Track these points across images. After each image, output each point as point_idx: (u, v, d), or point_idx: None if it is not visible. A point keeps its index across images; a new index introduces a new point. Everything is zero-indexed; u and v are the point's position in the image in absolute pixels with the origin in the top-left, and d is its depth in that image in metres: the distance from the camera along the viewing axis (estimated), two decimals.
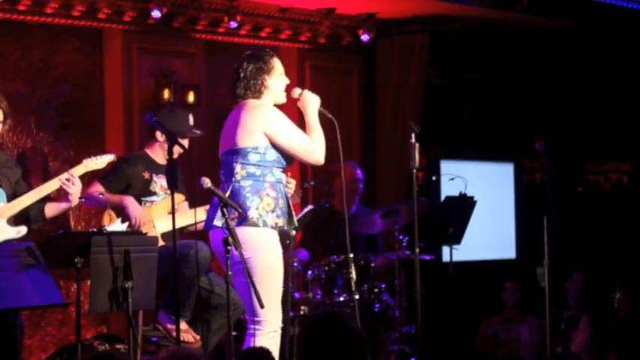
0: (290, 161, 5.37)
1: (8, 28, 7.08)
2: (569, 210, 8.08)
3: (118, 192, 6.13)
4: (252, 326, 5.21)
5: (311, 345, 3.75)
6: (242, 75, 5.31)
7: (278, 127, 5.25)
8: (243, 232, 5.11)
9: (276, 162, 5.28)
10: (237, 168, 5.23)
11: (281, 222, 5.25)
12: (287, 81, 5.44)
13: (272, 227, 5.21)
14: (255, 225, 5.16)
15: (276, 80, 5.37)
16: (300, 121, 5.46)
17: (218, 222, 5.15)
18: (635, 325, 4.45)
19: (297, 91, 5.46)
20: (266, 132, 5.23)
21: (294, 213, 5.39)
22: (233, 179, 5.22)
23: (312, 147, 5.33)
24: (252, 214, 5.16)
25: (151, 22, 7.54)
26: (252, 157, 5.22)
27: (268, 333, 5.18)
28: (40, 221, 5.67)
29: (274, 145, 5.26)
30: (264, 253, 5.16)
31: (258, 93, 5.32)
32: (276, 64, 5.39)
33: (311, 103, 5.42)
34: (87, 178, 5.81)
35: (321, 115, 5.46)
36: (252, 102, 5.31)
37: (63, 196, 5.61)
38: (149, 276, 5.16)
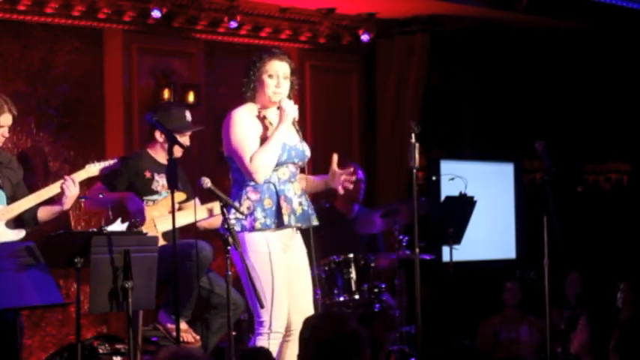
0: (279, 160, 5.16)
1: (8, 28, 7.08)
2: (569, 210, 8.06)
3: (120, 191, 6.12)
4: (256, 327, 5.19)
5: (311, 345, 3.75)
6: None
7: (229, 135, 5.14)
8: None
9: None
10: (229, 176, 5.28)
11: (269, 222, 5.14)
12: (276, 82, 5.16)
13: (249, 230, 5.12)
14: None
15: (263, 83, 5.18)
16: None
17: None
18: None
19: (280, 102, 5.18)
20: (225, 139, 5.19)
21: (285, 212, 5.16)
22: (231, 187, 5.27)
23: (248, 164, 5.08)
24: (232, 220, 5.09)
25: (151, 22, 7.54)
26: (232, 164, 5.22)
27: (265, 334, 5.14)
28: (33, 224, 5.63)
29: None
30: (246, 256, 5.07)
31: (245, 96, 5.23)
32: (265, 65, 5.17)
33: (287, 115, 5.15)
34: (88, 178, 5.80)
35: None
36: (238, 107, 5.24)
37: (57, 199, 5.59)
38: (149, 276, 5.15)
